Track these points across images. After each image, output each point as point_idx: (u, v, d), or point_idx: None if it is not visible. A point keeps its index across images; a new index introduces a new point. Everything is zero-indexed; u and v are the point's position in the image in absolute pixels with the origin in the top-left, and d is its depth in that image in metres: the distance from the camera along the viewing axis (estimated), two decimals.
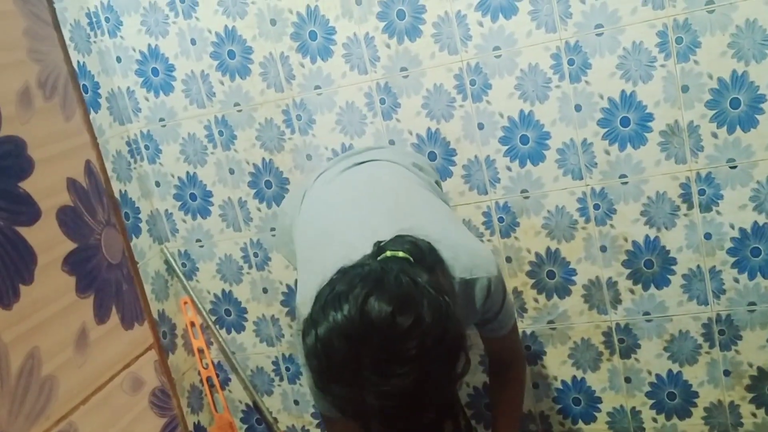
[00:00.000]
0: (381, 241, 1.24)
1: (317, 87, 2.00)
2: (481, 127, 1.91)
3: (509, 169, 1.93)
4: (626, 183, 1.86)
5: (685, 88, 1.75)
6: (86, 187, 0.50)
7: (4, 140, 0.45)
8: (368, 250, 1.23)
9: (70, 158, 0.50)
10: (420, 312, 1.08)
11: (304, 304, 1.24)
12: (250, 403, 2.37)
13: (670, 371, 1.98)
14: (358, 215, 1.41)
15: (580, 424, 2.10)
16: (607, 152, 1.85)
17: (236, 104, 2.08)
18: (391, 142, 1.98)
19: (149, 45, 2.10)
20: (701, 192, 1.82)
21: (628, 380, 2.02)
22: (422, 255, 1.21)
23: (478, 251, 1.37)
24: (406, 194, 1.50)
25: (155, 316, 2.20)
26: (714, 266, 1.86)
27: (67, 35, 2.01)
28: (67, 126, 0.51)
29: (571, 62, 1.81)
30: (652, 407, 2.02)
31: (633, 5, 1.73)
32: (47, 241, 0.47)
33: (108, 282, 0.51)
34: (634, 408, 2.04)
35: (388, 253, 1.19)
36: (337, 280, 1.15)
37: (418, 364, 1.07)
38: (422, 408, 1.12)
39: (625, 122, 1.81)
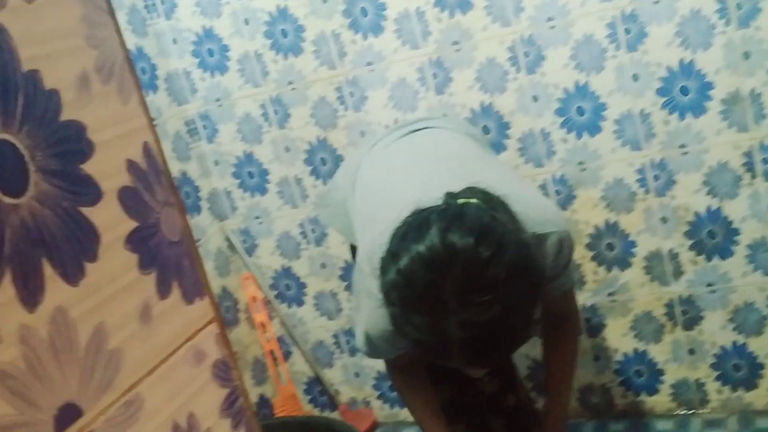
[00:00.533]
0: (452, 192, 1.21)
1: (369, 63, 2.00)
2: (535, 99, 1.89)
3: (565, 141, 1.91)
4: (686, 153, 1.82)
5: (746, 55, 1.69)
6: (145, 168, 0.52)
7: (66, 124, 0.47)
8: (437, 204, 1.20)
9: (129, 140, 0.52)
10: (502, 244, 1.08)
11: (372, 256, 1.22)
12: (312, 376, 2.42)
13: (734, 343, 1.94)
14: (421, 175, 1.37)
15: (643, 396, 2.08)
16: (666, 122, 1.81)
17: (290, 83, 2.10)
18: (444, 116, 1.97)
19: (204, 26, 2.13)
20: (765, 161, 1.76)
21: (691, 352, 1.99)
22: (494, 205, 1.18)
23: (548, 206, 1.35)
24: (468, 155, 1.47)
25: (218, 291, 2.26)
26: None
27: (124, 19, 2.05)
28: (124, 109, 0.52)
29: (627, 31, 1.77)
30: (716, 379, 1.99)
31: None
32: (110, 220, 0.49)
33: (169, 259, 0.53)
34: (698, 380, 2.01)
35: (460, 201, 1.17)
36: (413, 218, 1.14)
37: (499, 293, 1.06)
38: (502, 342, 1.11)
39: (684, 91, 1.77)
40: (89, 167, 0.49)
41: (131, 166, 0.52)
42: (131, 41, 2.06)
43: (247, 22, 2.08)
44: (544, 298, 1.49)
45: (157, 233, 0.52)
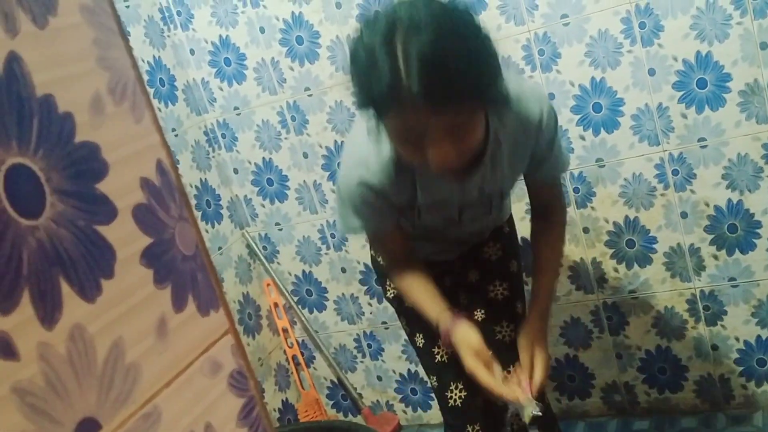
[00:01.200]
0: None
1: None
2: (552, 96, 1.89)
3: (583, 138, 1.90)
4: (705, 146, 1.81)
5: (763, 45, 1.68)
6: (158, 184, 0.53)
7: (80, 146, 0.48)
8: None
9: (142, 158, 0.53)
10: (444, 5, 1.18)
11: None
12: (335, 380, 2.43)
13: (758, 337, 1.92)
14: None
15: (667, 394, 2.07)
16: (684, 116, 1.80)
17: (306, 89, 2.11)
18: None
19: (220, 36, 2.15)
20: None
21: (714, 348, 1.98)
22: None
23: (527, 82, 1.45)
24: None
25: (240, 298, 2.28)
26: None
27: (141, 31, 2.08)
28: (137, 128, 0.54)
29: (642, 25, 1.76)
30: (740, 374, 1.97)
31: None
32: (125, 237, 0.50)
33: (183, 273, 0.54)
34: (722, 375, 1.99)
35: None
36: None
37: (441, 25, 1.13)
38: (454, 75, 1.14)
39: (701, 84, 1.76)
40: (104, 186, 0.50)
41: (145, 183, 0.53)
42: (149, 53, 2.09)
43: (262, 30, 2.10)
44: (533, 187, 1.52)
45: (172, 248, 0.54)
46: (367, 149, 1.34)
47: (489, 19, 1.86)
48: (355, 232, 1.49)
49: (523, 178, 1.50)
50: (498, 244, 1.63)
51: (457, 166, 1.23)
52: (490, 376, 1.35)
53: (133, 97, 0.55)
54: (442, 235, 1.53)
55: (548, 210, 1.55)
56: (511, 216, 1.68)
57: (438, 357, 1.59)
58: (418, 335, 1.62)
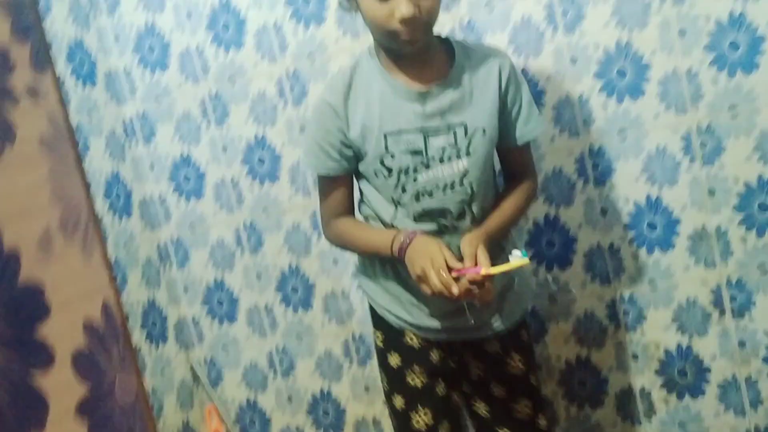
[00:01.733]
0: None
1: None
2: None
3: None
4: (655, 288, 1.83)
5: (711, 192, 1.74)
6: (102, 329, 0.50)
7: (23, 288, 0.46)
8: None
9: (88, 300, 0.51)
10: None
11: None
12: None
13: None
14: None
15: None
16: (635, 256, 1.83)
17: (265, 209, 2.10)
18: None
19: (182, 153, 2.13)
20: (733, 298, 1.78)
21: None
22: None
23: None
24: None
25: (180, 426, 2.15)
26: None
27: (103, 143, 2.05)
28: (86, 266, 0.51)
29: (595, 167, 1.81)
30: None
31: None
32: (61, 387, 0.47)
33: (120, 426, 0.50)
34: None
35: None
36: None
37: None
38: None
39: (652, 226, 1.80)
40: (44, 329, 0.47)
41: (88, 327, 0.50)
42: (109, 166, 2.06)
43: (224, 149, 2.10)
44: (507, 155, 1.59)
45: (110, 398, 0.50)
46: (333, 76, 1.52)
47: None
48: (312, 167, 1.55)
49: (497, 153, 1.56)
50: (519, 355, 1.60)
51: (418, 22, 1.34)
52: (441, 278, 1.34)
53: (84, 232, 0.53)
54: (414, 190, 1.48)
55: (521, 176, 1.59)
56: (526, 322, 1.65)
57: (415, 424, 1.54)
58: (396, 396, 1.58)
